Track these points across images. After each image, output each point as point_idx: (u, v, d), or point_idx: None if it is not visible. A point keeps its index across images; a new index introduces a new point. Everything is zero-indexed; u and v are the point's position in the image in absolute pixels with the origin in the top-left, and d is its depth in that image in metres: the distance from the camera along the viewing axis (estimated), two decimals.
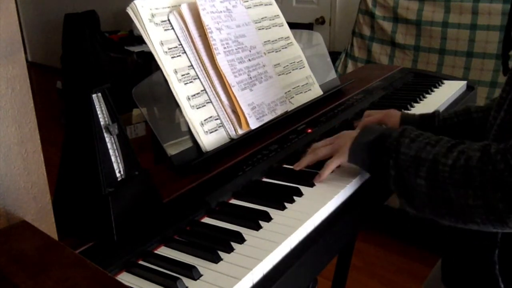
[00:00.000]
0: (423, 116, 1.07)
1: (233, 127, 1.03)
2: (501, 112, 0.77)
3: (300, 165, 0.91)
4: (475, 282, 0.83)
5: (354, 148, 0.85)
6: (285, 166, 0.97)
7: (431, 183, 0.72)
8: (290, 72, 1.24)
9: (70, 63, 4.20)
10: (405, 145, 0.77)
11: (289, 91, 1.21)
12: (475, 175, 0.67)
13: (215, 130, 1.01)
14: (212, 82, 1.02)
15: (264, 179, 0.93)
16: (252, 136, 1.05)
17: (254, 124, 1.06)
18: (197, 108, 0.99)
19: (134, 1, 0.95)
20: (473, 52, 2.25)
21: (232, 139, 1.03)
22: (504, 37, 0.89)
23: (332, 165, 0.87)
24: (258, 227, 0.75)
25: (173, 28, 1.00)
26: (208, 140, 0.98)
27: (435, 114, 1.06)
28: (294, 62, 1.27)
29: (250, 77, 1.09)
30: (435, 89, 1.43)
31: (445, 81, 1.51)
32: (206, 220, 0.79)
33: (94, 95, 0.71)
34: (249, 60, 1.11)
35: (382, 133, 0.82)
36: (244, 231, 0.73)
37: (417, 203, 0.75)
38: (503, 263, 0.77)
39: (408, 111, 1.18)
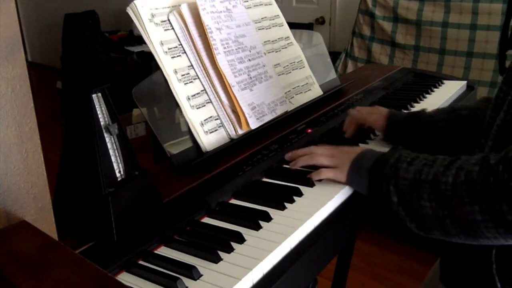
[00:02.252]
0: (409, 114, 1.06)
1: (233, 127, 1.03)
2: (500, 113, 0.77)
3: (296, 165, 0.92)
4: (473, 282, 0.83)
5: (353, 172, 0.85)
6: (285, 166, 0.97)
7: (435, 204, 0.71)
8: (290, 72, 1.24)
9: (70, 63, 4.20)
10: (403, 170, 0.76)
11: (289, 91, 1.21)
12: (478, 190, 0.67)
13: (215, 130, 1.01)
14: (212, 82, 1.02)
15: (264, 179, 0.93)
16: (252, 136, 1.05)
17: (254, 124, 1.06)
18: (197, 108, 0.99)
19: (134, 1, 0.95)
20: (473, 52, 2.25)
21: (232, 139, 1.03)
22: (500, 36, 0.89)
23: (325, 174, 0.87)
24: (258, 227, 0.75)
25: (173, 28, 1.00)
26: (208, 140, 0.98)
27: (420, 112, 1.06)
28: (294, 62, 1.27)
29: (250, 77, 1.09)
30: (435, 89, 1.43)
31: (445, 81, 1.51)
32: (206, 220, 0.79)
33: (94, 95, 0.71)
34: (249, 60, 1.11)
35: (379, 160, 0.81)
36: (244, 231, 0.73)
37: (424, 225, 0.75)
38: (500, 263, 0.77)
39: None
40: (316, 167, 0.89)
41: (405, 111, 1.09)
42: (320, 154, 0.90)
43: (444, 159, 0.75)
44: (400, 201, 0.76)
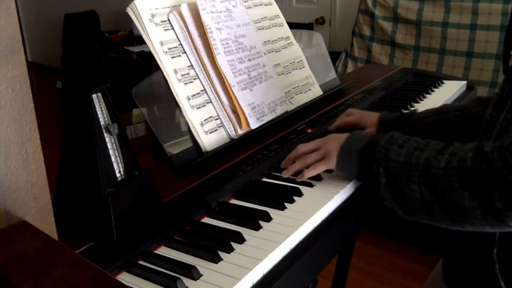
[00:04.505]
0: (400, 115, 1.07)
1: (233, 127, 1.03)
2: (503, 112, 0.77)
3: (288, 173, 0.90)
4: (476, 281, 0.83)
5: (342, 156, 0.84)
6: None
7: (424, 187, 0.71)
8: (290, 72, 1.24)
9: (70, 63, 4.20)
10: (394, 152, 0.77)
11: (289, 91, 1.21)
12: (470, 176, 0.67)
13: (215, 130, 1.01)
14: (212, 82, 1.02)
15: (264, 179, 0.93)
16: (252, 136, 1.05)
17: (254, 124, 1.06)
18: (197, 108, 0.99)
19: (134, 1, 0.95)
20: (473, 52, 2.25)
21: (232, 139, 1.03)
22: (505, 35, 0.89)
23: (318, 168, 0.87)
24: (258, 227, 0.75)
25: (173, 28, 1.00)
26: (208, 140, 0.98)
27: (411, 113, 1.06)
28: (294, 62, 1.27)
29: (250, 77, 1.09)
30: (435, 89, 1.43)
31: (445, 81, 1.51)
32: (206, 220, 0.79)
33: (94, 95, 0.71)
34: (249, 60, 1.11)
35: (369, 141, 0.82)
36: (244, 231, 0.73)
37: (411, 209, 0.75)
38: (503, 262, 0.77)
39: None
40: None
41: (395, 113, 1.09)
42: (308, 154, 0.90)
43: (437, 143, 0.75)
44: (389, 183, 0.76)
